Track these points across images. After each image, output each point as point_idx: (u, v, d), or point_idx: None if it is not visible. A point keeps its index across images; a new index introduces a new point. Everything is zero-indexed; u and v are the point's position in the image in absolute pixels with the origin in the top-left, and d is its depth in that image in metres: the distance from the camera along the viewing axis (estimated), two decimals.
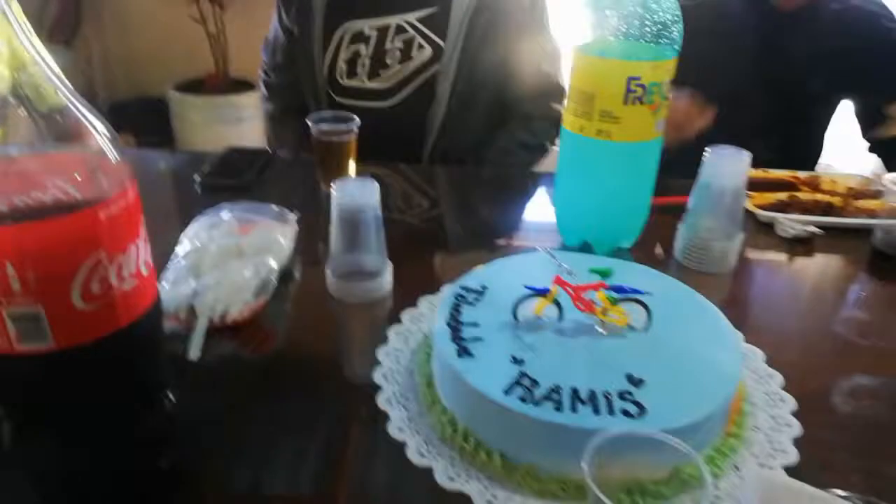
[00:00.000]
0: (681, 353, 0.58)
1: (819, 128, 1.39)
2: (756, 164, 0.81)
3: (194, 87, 2.73)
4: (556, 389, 0.52)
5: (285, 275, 0.78)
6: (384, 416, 0.57)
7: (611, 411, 0.51)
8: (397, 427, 0.56)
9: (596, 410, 0.51)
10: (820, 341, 0.74)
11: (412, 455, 0.53)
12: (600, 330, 0.59)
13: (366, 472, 0.54)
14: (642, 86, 0.73)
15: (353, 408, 0.60)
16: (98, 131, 0.41)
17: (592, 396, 0.52)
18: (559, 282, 0.59)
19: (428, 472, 0.52)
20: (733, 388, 0.54)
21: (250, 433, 0.57)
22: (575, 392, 0.52)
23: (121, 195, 0.40)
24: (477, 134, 1.28)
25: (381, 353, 0.65)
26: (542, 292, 0.60)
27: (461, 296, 0.64)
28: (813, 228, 0.92)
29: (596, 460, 0.43)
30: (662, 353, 0.58)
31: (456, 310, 0.62)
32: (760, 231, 0.94)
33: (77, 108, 0.39)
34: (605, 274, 0.59)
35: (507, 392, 0.52)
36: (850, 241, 0.92)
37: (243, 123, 2.66)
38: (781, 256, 0.90)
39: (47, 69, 0.38)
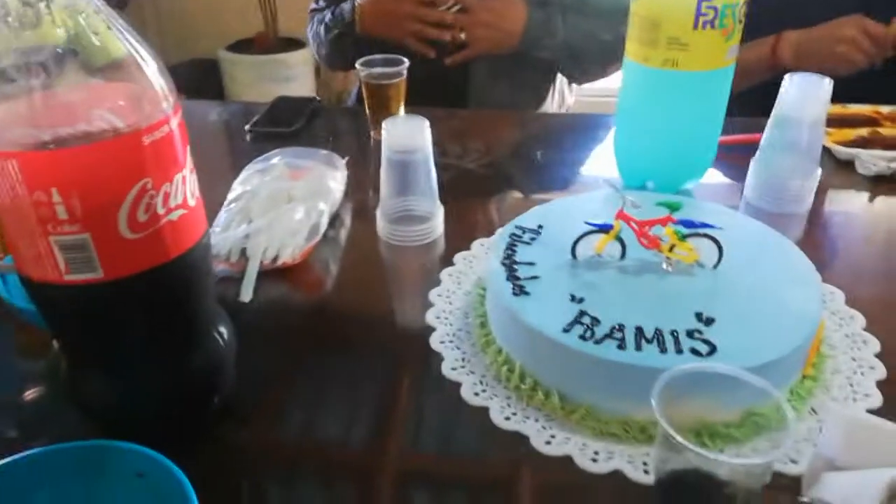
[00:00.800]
0: (755, 291, 0.54)
1: None
2: (835, 98, 0.75)
3: (244, 46, 2.73)
4: (619, 328, 0.50)
5: (336, 219, 0.77)
6: (438, 357, 0.56)
7: (678, 350, 0.48)
8: (451, 367, 0.54)
9: (662, 349, 0.48)
10: None
11: (467, 394, 0.52)
12: (666, 267, 0.56)
13: (420, 412, 0.52)
14: (714, 8, 0.67)
15: (405, 349, 0.59)
16: (142, 58, 0.39)
17: (658, 335, 0.49)
18: (622, 216, 0.56)
19: (483, 412, 0.50)
20: (813, 327, 0.50)
21: (302, 374, 0.57)
22: (639, 330, 0.49)
23: (164, 121, 0.39)
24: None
25: (434, 295, 0.63)
26: (604, 228, 0.56)
27: (517, 235, 0.61)
28: None
29: (664, 399, 0.40)
30: (735, 291, 0.54)
31: (511, 249, 0.59)
32: (839, 169, 0.87)
33: (122, 34, 0.38)
34: (674, 208, 0.55)
35: (566, 330, 0.50)
36: None
37: (293, 81, 2.66)
38: (862, 195, 0.83)
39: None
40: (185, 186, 0.41)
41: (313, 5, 1.35)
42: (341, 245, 0.74)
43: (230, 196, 0.75)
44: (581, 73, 1.26)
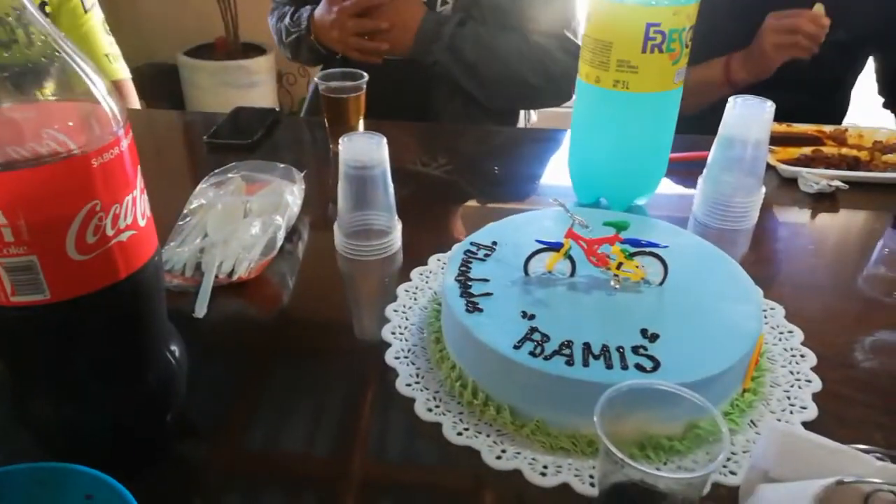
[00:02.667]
0: (698, 307, 0.56)
1: (844, 84, 1.34)
2: (780, 116, 0.78)
3: (204, 52, 2.70)
4: (568, 344, 0.51)
5: (293, 233, 0.77)
6: (393, 373, 0.57)
7: (624, 366, 0.49)
8: (405, 383, 0.55)
9: (608, 365, 0.50)
10: (842, 298, 0.71)
11: (420, 410, 0.53)
12: (614, 285, 0.58)
13: (374, 428, 0.53)
14: (662, 32, 0.69)
15: (361, 365, 0.59)
16: (91, 79, 0.39)
17: (605, 351, 0.51)
18: (572, 235, 0.58)
19: (437, 428, 0.51)
20: (752, 343, 0.52)
21: (258, 389, 0.57)
22: (587, 347, 0.51)
23: (114, 143, 0.39)
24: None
25: (390, 310, 0.64)
26: (554, 246, 0.58)
27: (471, 252, 0.62)
28: (837, 183, 0.88)
29: (608, 414, 0.41)
30: (679, 307, 0.56)
31: (465, 265, 0.60)
32: (783, 187, 0.91)
33: (70, 56, 0.38)
34: (620, 227, 0.57)
35: (516, 347, 0.51)
36: (876, 196, 0.88)
37: (255, 88, 2.64)
38: (804, 212, 0.87)
39: (38, 15, 0.37)
40: (136, 207, 0.41)
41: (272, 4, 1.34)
42: (298, 259, 0.75)
43: (186, 210, 0.75)
44: (486, 96, 1.20)
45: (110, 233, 0.39)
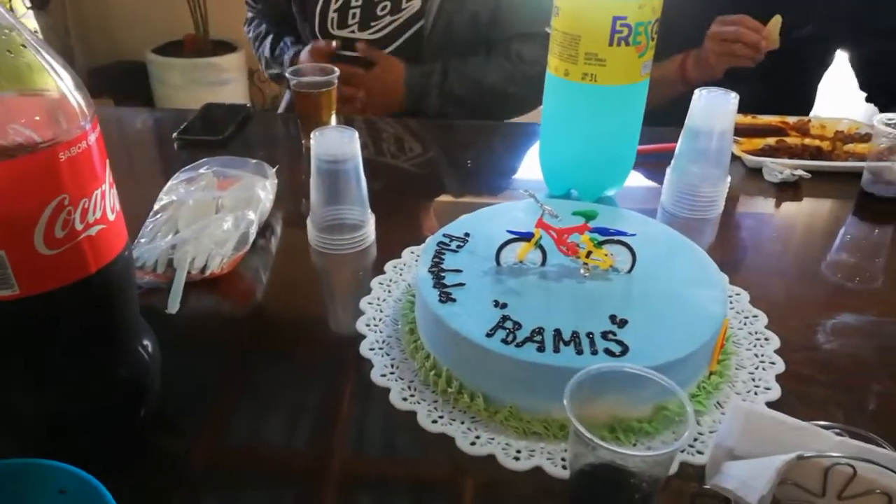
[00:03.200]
0: (665, 293, 0.57)
1: (812, 78, 1.36)
2: (746, 109, 0.80)
3: (174, 49, 2.67)
4: (539, 331, 0.52)
5: (266, 229, 0.77)
6: (368, 364, 0.57)
7: (593, 351, 0.51)
8: (380, 373, 0.56)
9: (578, 350, 0.51)
10: (806, 283, 0.74)
11: (395, 399, 0.53)
12: (584, 273, 0.59)
13: (350, 418, 0.53)
14: (628, 26, 0.71)
15: (336, 357, 0.59)
16: (57, 73, 0.39)
17: (575, 337, 0.52)
18: (542, 225, 0.59)
19: (412, 416, 0.52)
20: (717, 327, 0.54)
21: (234, 384, 0.57)
22: (558, 333, 0.52)
23: (82, 137, 0.39)
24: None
25: (364, 303, 0.64)
26: (525, 237, 0.59)
27: (444, 243, 0.63)
28: (801, 172, 0.91)
29: (578, 398, 0.42)
30: (647, 294, 0.57)
31: (438, 257, 0.61)
32: (749, 177, 0.93)
33: (36, 50, 0.38)
34: (589, 216, 0.58)
35: (489, 335, 0.52)
36: (838, 185, 0.91)
37: (226, 85, 2.61)
38: (769, 201, 0.89)
39: (2, 9, 0.37)
40: (105, 201, 0.41)
41: (249, 14, 1.34)
42: (272, 254, 0.75)
43: (156, 206, 0.74)
44: (487, 115, 1.23)
45: (79, 227, 0.39)
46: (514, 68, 1.19)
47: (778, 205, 0.89)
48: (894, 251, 0.81)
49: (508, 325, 0.53)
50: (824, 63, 1.34)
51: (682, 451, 0.50)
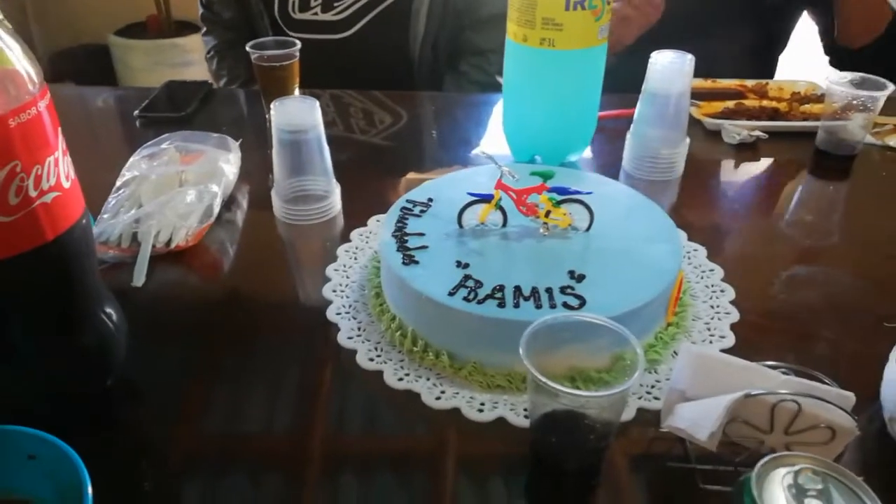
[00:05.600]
0: (622, 249, 0.59)
1: (777, 44, 1.37)
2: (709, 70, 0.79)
3: (136, 31, 2.61)
4: (500, 288, 0.53)
5: (231, 202, 0.77)
6: (335, 328, 0.58)
7: (552, 305, 0.52)
8: (347, 336, 0.57)
9: (538, 305, 0.52)
10: (762, 238, 0.76)
11: (362, 360, 0.54)
12: (543, 232, 0.60)
13: (317, 380, 0.54)
14: None
15: (303, 323, 0.60)
16: (3, 42, 0.39)
17: (534, 292, 0.53)
18: (501, 186, 0.60)
19: (378, 376, 0.53)
20: (671, 279, 0.56)
21: (203, 353, 0.57)
22: (518, 290, 0.53)
23: (31, 103, 0.39)
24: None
25: (331, 270, 0.65)
26: (485, 198, 0.60)
27: (407, 208, 0.64)
28: (758, 133, 0.93)
29: (535, 348, 0.44)
30: (604, 250, 0.59)
31: (402, 222, 0.62)
32: (708, 139, 0.95)
33: None
34: (546, 176, 0.59)
35: (451, 293, 0.53)
36: (794, 144, 0.93)
37: (191, 66, 2.56)
38: (728, 162, 0.91)
39: None
40: (59, 168, 0.41)
41: (202, 9, 1.32)
42: (238, 227, 0.75)
43: (119, 182, 0.74)
44: None
45: (33, 194, 0.39)
46: None
47: (736, 165, 0.91)
48: (847, 206, 0.84)
49: (470, 283, 0.54)
50: (788, 30, 1.35)
51: (640, 398, 0.52)
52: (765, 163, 0.91)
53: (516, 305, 0.52)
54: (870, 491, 0.31)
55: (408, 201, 0.65)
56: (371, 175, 0.86)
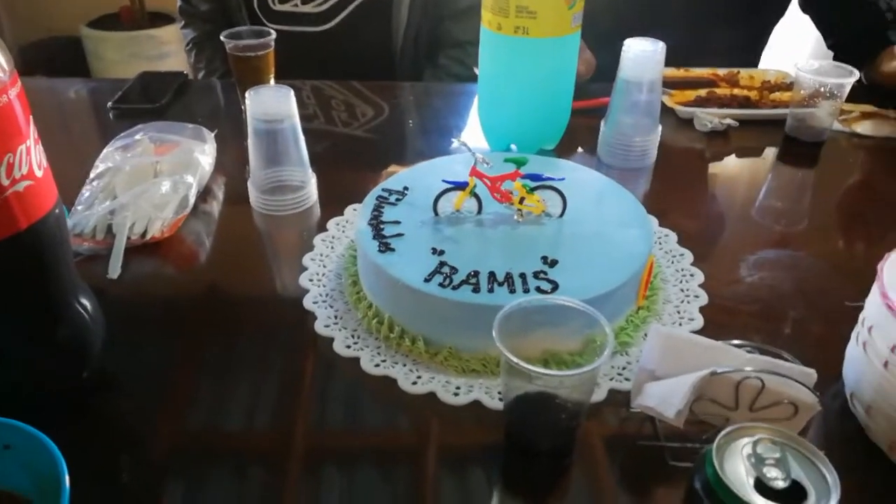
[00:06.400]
0: (594, 235, 0.60)
1: (760, 37, 1.36)
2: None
3: (109, 22, 2.57)
4: (474, 274, 0.54)
5: (207, 193, 0.77)
6: (311, 316, 0.58)
7: (525, 290, 0.53)
8: (324, 324, 0.57)
9: (511, 290, 0.53)
10: (732, 223, 0.78)
11: (339, 347, 0.55)
12: (517, 218, 0.61)
13: (293, 369, 0.55)
14: None
15: (280, 312, 0.61)
16: None
17: (508, 278, 0.54)
18: (475, 173, 0.60)
19: (355, 362, 0.54)
20: (642, 262, 0.57)
21: (179, 344, 0.57)
22: (492, 275, 0.54)
23: (1, 91, 0.39)
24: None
25: (307, 259, 0.65)
26: (460, 185, 0.61)
27: (383, 197, 0.64)
28: (729, 121, 0.95)
29: (509, 332, 0.45)
30: (577, 235, 0.60)
31: (378, 210, 0.62)
32: (680, 127, 0.97)
33: None
34: (519, 163, 0.60)
35: (427, 280, 0.54)
36: (764, 131, 0.95)
37: (167, 58, 2.53)
38: (699, 149, 0.93)
39: None
40: (31, 157, 0.41)
41: (179, 1, 1.31)
42: (214, 218, 0.75)
43: (92, 174, 0.74)
44: None
45: (5, 182, 0.39)
46: None
47: (708, 152, 0.92)
48: (815, 192, 0.86)
49: (445, 269, 0.55)
50: (780, 11, 1.33)
51: (611, 380, 0.53)
52: (735, 150, 0.93)
53: (490, 290, 0.53)
54: (825, 459, 0.33)
55: (384, 190, 0.65)
56: (348, 166, 0.87)
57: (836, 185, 0.86)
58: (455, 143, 0.61)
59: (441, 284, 0.53)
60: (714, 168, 0.90)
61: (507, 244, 0.59)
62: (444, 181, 0.61)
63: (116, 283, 0.63)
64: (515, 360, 0.41)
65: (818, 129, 0.91)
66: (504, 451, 0.48)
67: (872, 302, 0.49)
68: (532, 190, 0.60)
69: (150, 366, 0.55)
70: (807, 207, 0.83)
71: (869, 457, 0.48)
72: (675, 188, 0.85)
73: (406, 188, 0.66)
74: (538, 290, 0.53)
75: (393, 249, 0.57)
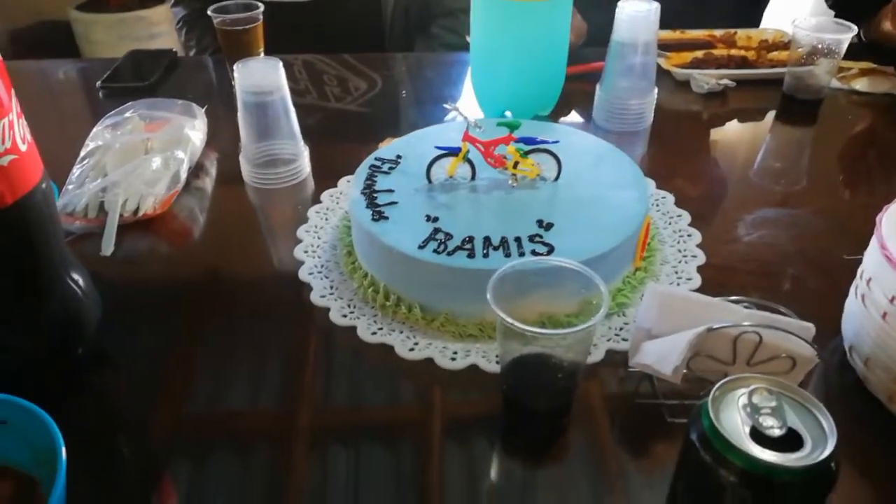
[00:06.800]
0: (590, 197, 0.59)
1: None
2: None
3: (98, 4, 2.53)
4: (469, 240, 0.54)
5: (200, 169, 0.76)
6: (307, 287, 0.58)
7: (521, 253, 0.53)
8: (319, 295, 0.57)
9: (507, 254, 0.53)
10: (729, 183, 0.77)
11: (335, 317, 0.55)
12: (512, 183, 0.60)
13: (291, 339, 0.55)
14: None
15: (276, 285, 0.60)
16: None
17: (504, 242, 0.54)
18: (468, 138, 0.60)
19: (352, 331, 0.54)
20: (638, 223, 0.56)
21: (175, 319, 0.57)
22: (487, 240, 0.54)
23: None
24: None
25: (302, 231, 0.65)
26: (453, 151, 0.60)
27: (376, 166, 0.64)
28: (726, 82, 0.93)
29: (504, 295, 0.44)
30: (572, 198, 0.59)
31: (371, 179, 0.62)
32: (677, 90, 0.95)
33: None
34: (513, 126, 0.59)
35: (421, 247, 0.53)
36: (762, 91, 0.94)
37: (157, 39, 2.50)
38: (697, 111, 0.91)
39: None
40: (13, 131, 0.40)
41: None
42: (207, 193, 0.74)
43: (83, 153, 0.73)
44: None
45: None
46: None
47: (705, 114, 0.91)
48: (814, 150, 0.85)
49: (440, 236, 0.54)
50: None
51: (609, 340, 0.53)
52: (733, 110, 0.92)
53: (486, 255, 0.52)
54: (821, 406, 0.33)
55: (377, 159, 0.65)
56: (341, 139, 0.86)
57: (835, 143, 0.86)
58: (448, 108, 0.60)
59: (436, 251, 0.53)
60: (712, 130, 0.89)
61: (502, 209, 0.58)
62: (436, 147, 0.60)
63: (111, 261, 0.63)
64: (510, 320, 0.41)
65: (816, 87, 0.90)
66: (503, 413, 0.48)
67: (871, 254, 0.48)
68: (526, 154, 0.60)
69: (147, 342, 0.55)
70: (806, 166, 0.82)
71: (868, 409, 0.48)
72: (673, 150, 0.84)
73: (399, 157, 0.65)
74: (534, 253, 0.53)
75: (387, 218, 0.57)
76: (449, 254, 0.52)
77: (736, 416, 0.33)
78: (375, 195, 0.59)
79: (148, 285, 0.62)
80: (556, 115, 0.88)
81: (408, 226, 0.56)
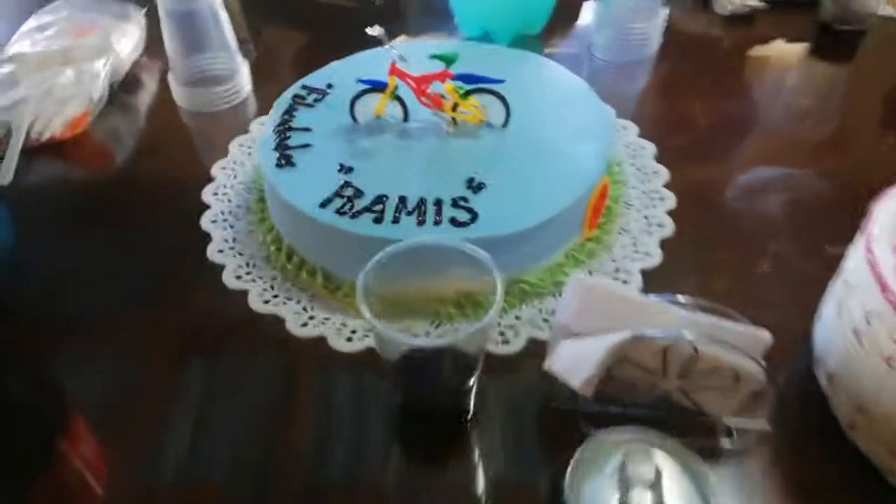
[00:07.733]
0: (539, 150, 0.50)
1: None
2: None
3: None
4: (381, 200, 0.46)
5: (131, 83, 0.68)
6: (208, 238, 0.52)
7: (437, 221, 0.45)
8: (217, 249, 0.51)
9: (420, 221, 0.45)
10: (733, 133, 0.65)
11: (227, 278, 0.48)
12: (448, 129, 0.51)
13: (181, 296, 0.49)
14: None
15: (176, 230, 0.54)
16: None
17: (421, 205, 0.46)
18: (397, 72, 0.50)
19: (244, 296, 0.47)
20: (587, 187, 0.47)
21: (72, 257, 0.52)
22: (402, 201, 0.46)
23: None
24: None
25: (217, 168, 0.57)
26: (378, 86, 0.51)
27: (300, 96, 0.55)
28: (754, 2, 0.79)
29: (378, 274, 0.37)
30: (517, 152, 0.50)
31: (290, 114, 0.53)
32: (694, 8, 0.81)
33: None
34: (448, 60, 0.49)
35: (322, 205, 0.46)
36: (795, 16, 0.79)
37: None
38: (715, 37, 0.78)
39: None
40: None
41: None
42: (140, 113, 0.67)
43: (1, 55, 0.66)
44: None
45: None
46: None
47: (726, 41, 0.78)
48: (849, 93, 0.71)
49: (348, 192, 0.46)
50: None
51: (533, 327, 0.45)
52: (760, 38, 0.77)
53: (395, 221, 0.45)
54: (709, 475, 0.25)
55: (303, 87, 0.56)
56: (296, 51, 0.76)
57: (878, 86, 0.71)
58: (370, 33, 0.50)
59: (339, 211, 0.45)
60: (732, 62, 0.75)
61: (430, 162, 0.49)
62: (360, 81, 0.51)
63: (11, 190, 0.57)
64: (369, 315, 0.34)
65: (861, 14, 0.75)
66: (397, 409, 0.42)
67: (855, 253, 0.39)
68: (467, 94, 0.50)
69: (51, 270, 0.51)
70: (836, 113, 0.69)
71: (827, 433, 0.40)
72: (676, 87, 0.72)
73: (330, 85, 0.56)
74: (453, 221, 0.44)
75: (294, 164, 0.49)
76: (353, 216, 0.45)
77: (603, 489, 0.26)
78: (289, 134, 0.51)
79: (55, 215, 0.56)
80: (545, 35, 0.76)
81: (314, 176, 0.48)
